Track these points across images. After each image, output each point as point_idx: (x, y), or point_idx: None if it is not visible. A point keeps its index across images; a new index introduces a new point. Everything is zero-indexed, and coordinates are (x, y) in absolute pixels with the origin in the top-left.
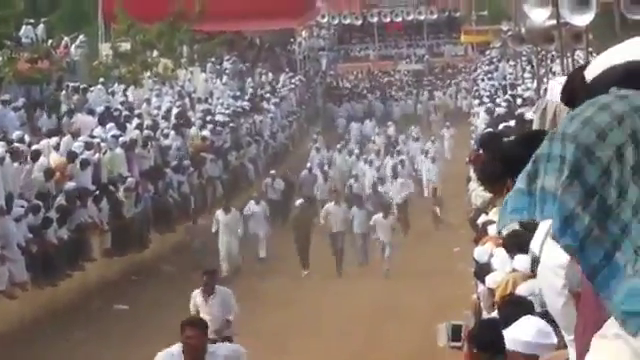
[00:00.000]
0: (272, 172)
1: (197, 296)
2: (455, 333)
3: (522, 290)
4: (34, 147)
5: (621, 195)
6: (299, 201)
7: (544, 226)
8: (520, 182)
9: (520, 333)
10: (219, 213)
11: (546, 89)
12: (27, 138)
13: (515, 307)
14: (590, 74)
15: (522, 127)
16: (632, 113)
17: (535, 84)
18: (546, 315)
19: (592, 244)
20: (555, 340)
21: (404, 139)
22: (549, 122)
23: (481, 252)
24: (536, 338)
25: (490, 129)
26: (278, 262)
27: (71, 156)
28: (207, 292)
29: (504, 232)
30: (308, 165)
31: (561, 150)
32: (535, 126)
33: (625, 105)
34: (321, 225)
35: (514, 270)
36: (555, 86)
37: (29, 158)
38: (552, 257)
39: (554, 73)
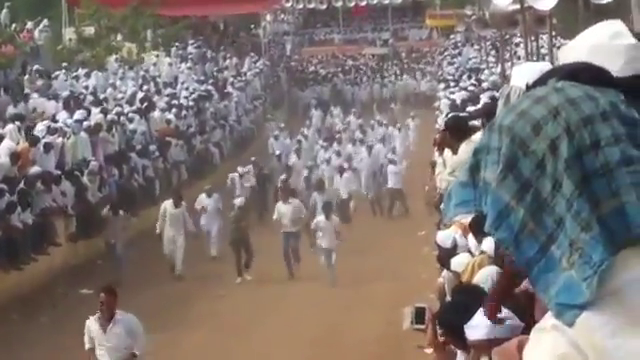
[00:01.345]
0: (242, 169)
1: (92, 324)
2: (418, 316)
3: (480, 276)
4: None
5: (555, 188)
6: (239, 200)
7: None
8: (463, 175)
9: (480, 319)
10: (167, 204)
11: (510, 74)
12: None
13: (468, 295)
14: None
15: (485, 110)
16: (567, 106)
17: (499, 68)
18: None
19: (527, 237)
20: (519, 321)
21: (370, 125)
22: None
23: (444, 237)
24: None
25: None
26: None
27: (34, 140)
28: (106, 318)
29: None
30: (277, 152)
31: (498, 142)
32: (499, 112)
33: (561, 97)
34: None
35: (482, 253)
36: (519, 71)
37: None
38: None
39: (518, 57)
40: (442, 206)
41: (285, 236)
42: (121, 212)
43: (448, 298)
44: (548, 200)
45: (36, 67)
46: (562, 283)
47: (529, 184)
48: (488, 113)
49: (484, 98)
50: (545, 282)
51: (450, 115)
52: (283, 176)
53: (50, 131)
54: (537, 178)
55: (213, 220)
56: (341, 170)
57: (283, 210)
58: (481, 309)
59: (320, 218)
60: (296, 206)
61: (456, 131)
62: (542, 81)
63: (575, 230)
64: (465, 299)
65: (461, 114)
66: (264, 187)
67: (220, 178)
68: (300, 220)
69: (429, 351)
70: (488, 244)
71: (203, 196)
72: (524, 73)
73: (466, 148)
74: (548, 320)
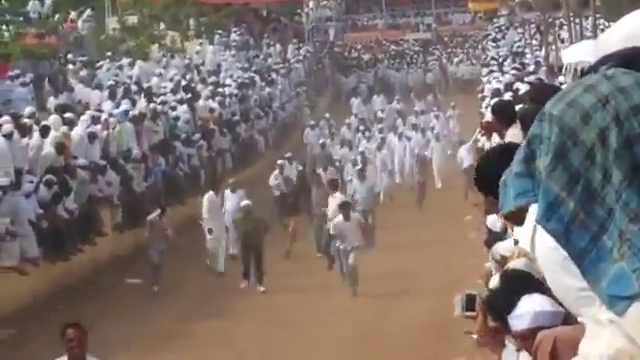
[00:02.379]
0: (280, 162)
1: None
2: (469, 303)
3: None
4: (43, 123)
5: (605, 179)
6: (244, 202)
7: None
8: (518, 166)
9: (523, 308)
10: (208, 196)
11: (553, 63)
12: (36, 114)
13: (517, 280)
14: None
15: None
16: (617, 94)
17: (543, 51)
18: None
19: (578, 228)
20: (561, 308)
21: (414, 112)
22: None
23: (494, 220)
24: (543, 307)
25: (500, 97)
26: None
27: (78, 130)
28: None
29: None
30: (320, 141)
31: (549, 131)
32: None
33: (611, 85)
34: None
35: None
36: (577, 49)
37: (38, 133)
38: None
39: (562, 40)
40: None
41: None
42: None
43: (495, 283)
44: (598, 190)
45: (80, 58)
46: (613, 274)
47: (579, 174)
48: (533, 97)
49: (527, 82)
50: (596, 273)
51: (496, 100)
52: (330, 169)
53: (94, 121)
54: (587, 168)
55: (231, 217)
56: (382, 163)
57: (332, 205)
58: (524, 297)
59: (338, 219)
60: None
61: (503, 117)
62: (594, 68)
63: (624, 221)
64: (514, 285)
65: (507, 98)
66: (303, 179)
67: (265, 165)
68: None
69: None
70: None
71: (227, 192)
72: (581, 49)
73: (513, 133)
74: (604, 313)
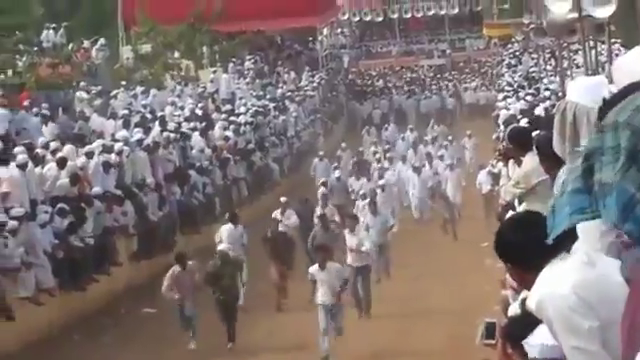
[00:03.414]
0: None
1: None
2: (489, 331)
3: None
4: (60, 154)
5: None
6: (222, 246)
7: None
8: (575, 182)
9: (536, 338)
10: (225, 228)
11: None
12: (52, 144)
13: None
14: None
15: (545, 122)
16: None
17: (558, 77)
18: None
19: None
20: None
21: (428, 140)
22: (569, 124)
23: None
24: (552, 340)
25: (516, 123)
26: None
27: (91, 159)
28: None
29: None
30: (336, 174)
31: (614, 140)
32: (555, 127)
33: None
34: None
35: None
36: (574, 86)
37: (54, 164)
38: None
39: (577, 66)
40: (509, 215)
41: (353, 271)
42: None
43: (514, 310)
44: None
45: (93, 87)
46: None
47: None
48: (546, 125)
49: (543, 107)
50: None
51: (513, 126)
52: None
53: (107, 149)
54: None
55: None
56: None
57: (350, 242)
58: (541, 326)
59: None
60: (362, 237)
61: (519, 143)
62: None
63: None
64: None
65: (524, 125)
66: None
67: (281, 194)
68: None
69: None
70: None
71: (226, 227)
72: (579, 88)
73: (530, 159)
74: None
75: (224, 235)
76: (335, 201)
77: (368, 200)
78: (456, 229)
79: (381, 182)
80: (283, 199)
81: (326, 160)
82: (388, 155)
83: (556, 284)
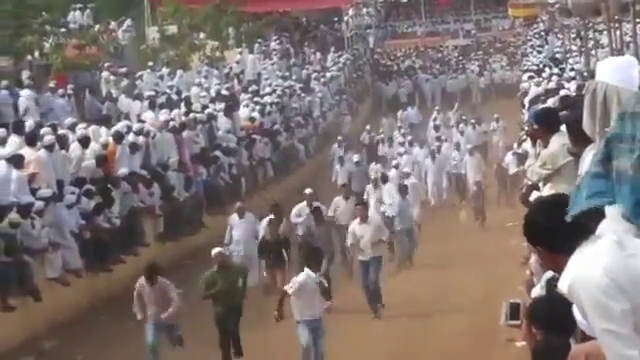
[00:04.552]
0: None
1: None
2: (513, 311)
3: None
4: (82, 133)
5: None
6: (215, 250)
7: None
8: (595, 166)
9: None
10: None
11: (594, 64)
12: (79, 125)
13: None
14: None
15: (570, 104)
16: None
17: (583, 57)
18: None
19: None
20: None
21: (451, 123)
22: (599, 104)
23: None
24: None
25: (541, 103)
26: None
27: (118, 139)
28: None
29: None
30: (355, 158)
31: (631, 129)
32: (586, 107)
33: None
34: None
35: None
36: (604, 66)
37: (78, 144)
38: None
39: (602, 46)
40: (533, 195)
41: (363, 264)
42: None
43: (537, 292)
44: None
45: (121, 68)
46: None
47: None
48: (574, 105)
49: (569, 87)
50: None
51: (540, 107)
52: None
53: (134, 131)
54: None
55: (241, 248)
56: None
57: (360, 232)
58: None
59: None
60: (376, 226)
61: (547, 124)
62: None
63: None
64: (558, 294)
65: (550, 105)
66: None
67: (306, 174)
68: (381, 243)
69: (520, 344)
70: None
71: (234, 216)
72: (609, 68)
73: (557, 141)
74: None
75: (234, 232)
76: (355, 187)
77: (397, 184)
78: (475, 213)
79: (401, 167)
80: (308, 190)
81: (344, 145)
82: (408, 139)
83: (587, 267)
